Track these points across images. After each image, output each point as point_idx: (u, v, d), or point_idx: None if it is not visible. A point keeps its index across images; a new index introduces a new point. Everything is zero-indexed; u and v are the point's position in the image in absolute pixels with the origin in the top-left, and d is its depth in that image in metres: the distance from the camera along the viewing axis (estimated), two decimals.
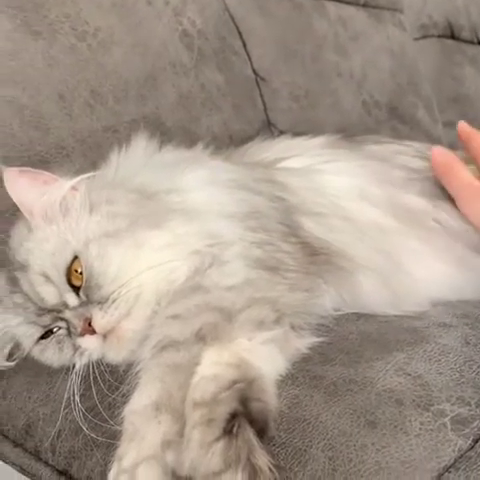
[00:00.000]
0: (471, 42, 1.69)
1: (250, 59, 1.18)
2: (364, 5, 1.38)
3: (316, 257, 0.74)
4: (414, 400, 0.57)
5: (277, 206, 0.78)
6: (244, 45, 1.18)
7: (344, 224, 0.79)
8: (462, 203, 0.81)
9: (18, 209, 0.72)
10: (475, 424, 0.55)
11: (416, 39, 1.54)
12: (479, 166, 0.84)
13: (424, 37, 1.57)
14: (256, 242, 0.71)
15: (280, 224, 0.76)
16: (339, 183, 0.83)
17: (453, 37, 1.65)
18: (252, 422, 0.51)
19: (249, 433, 0.50)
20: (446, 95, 1.55)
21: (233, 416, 0.50)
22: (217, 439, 0.49)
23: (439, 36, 1.61)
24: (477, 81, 1.59)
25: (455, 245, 0.80)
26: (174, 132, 1.00)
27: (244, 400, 0.51)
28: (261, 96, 1.18)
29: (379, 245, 0.79)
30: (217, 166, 0.82)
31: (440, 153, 0.84)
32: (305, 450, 0.55)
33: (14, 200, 0.71)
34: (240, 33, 1.17)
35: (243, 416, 0.51)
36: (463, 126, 0.88)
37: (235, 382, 0.52)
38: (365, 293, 0.75)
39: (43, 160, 0.85)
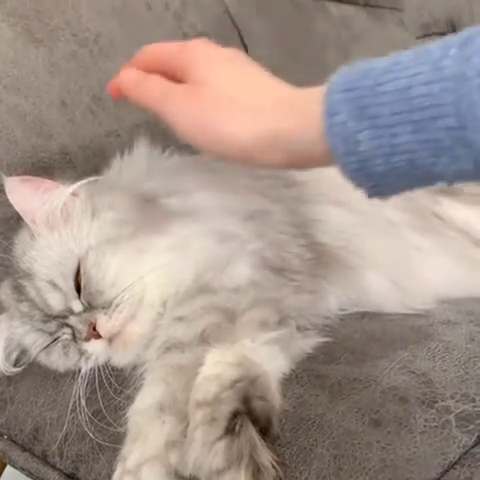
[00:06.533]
0: None
1: None
2: (364, 5, 1.38)
3: (324, 257, 0.74)
4: (418, 397, 0.57)
5: (285, 204, 0.78)
6: (246, 47, 1.18)
7: (354, 218, 0.79)
8: (163, 111, 0.59)
9: (21, 216, 0.72)
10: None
11: (418, 38, 1.54)
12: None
13: (426, 35, 1.57)
14: (263, 242, 0.71)
15: (289, 224, 0.76)
16: None
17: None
18: (255, 420, 0.52)
19: (251, 431, 0.51)
20: None
21: (235, 415, 0.50)
22: (219, 438, 0.49)
23: (441, 34, 1.61)
24: None
25: (458, 241, 0.80)
26: (176, 136, 1.00)
27: (246, 399, 0.52)
28: None
29: (389, 242, 0.79)
30: (219, 168, 0.82)
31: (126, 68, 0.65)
32: (310, 449, 0.55)
33: (16, 209, 0.71)
34: (241, 36, 1.18)
35: (245, 415, 0.51)
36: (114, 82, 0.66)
37: (237, 381, 0.52)
38: (374, 291, 0.75)
39: (46, 166, 0.85)
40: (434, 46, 0.50)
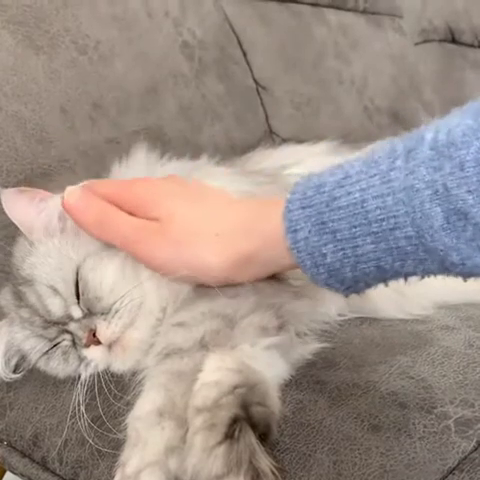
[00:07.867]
0: (472, 46, 1.69)
1: (251, 68, 1.19)
2: (363, 11, 1.39)
3: None
4: (418, 403, 0.57)
5: None
6: (244, 55, 1.18)
7: None
8: (136, 249, 0.65)
9: None
10: (479, 426, 0.55)
11: (417, 44, 1.54)
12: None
13: (425, 42, 1.57)
14: None
15: None
16: None
17: (454, 41, 1.65)
18: (254, 426, 0.51)
19: (251, 437, 0.50)
20: (448, 99, 1.55)
21: (235, 421, 0.50)
22: (219, 443, 0.49)
23: (440, 40, 1.61)
24: (479, 85, 1.59)
25: None
26: (176, 143, 1.00)
27: (245, 405, 0.52)
28: (262, 105, 1.19)
29: None
30: (220, 173, 0.82)
31: (85, 206, 0.66)
32: (310, 455, 0.55)
33: (13, 220, 0.71)
34: (240, 43, 1.18)
35: (245, 420, 0.51)
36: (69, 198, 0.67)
37: (236, 387, 0.52)
38: (373, 297, 0.75)
39: (46, 173, 0.85)
40: (381, 155, 0.52)
